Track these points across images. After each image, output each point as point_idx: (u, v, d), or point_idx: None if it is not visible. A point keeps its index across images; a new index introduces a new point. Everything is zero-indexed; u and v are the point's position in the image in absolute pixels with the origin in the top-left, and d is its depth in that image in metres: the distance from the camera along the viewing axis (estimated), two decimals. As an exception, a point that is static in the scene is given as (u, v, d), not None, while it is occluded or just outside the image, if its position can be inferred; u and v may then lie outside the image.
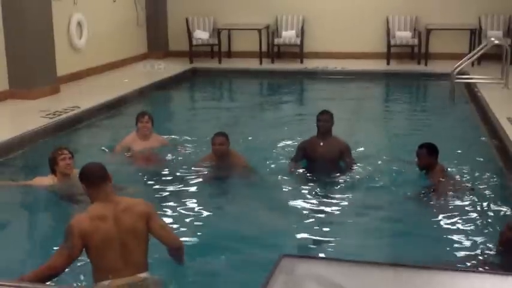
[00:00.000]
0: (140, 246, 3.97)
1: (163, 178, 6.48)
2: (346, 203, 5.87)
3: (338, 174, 6.51)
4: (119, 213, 3.93)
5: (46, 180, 5.94)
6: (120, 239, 3.89)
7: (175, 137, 7.92)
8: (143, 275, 3.95)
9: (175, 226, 5.08)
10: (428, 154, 6.03)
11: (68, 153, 5.82)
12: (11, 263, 4.61)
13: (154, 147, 7.26)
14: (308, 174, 6.53)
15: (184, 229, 5.18)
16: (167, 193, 6.05)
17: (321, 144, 6.64)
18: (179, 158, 7.09)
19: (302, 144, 6.86)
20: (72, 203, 5.64)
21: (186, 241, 4.82)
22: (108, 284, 3.86)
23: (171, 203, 5.74)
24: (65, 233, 3.86)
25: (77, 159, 6.00)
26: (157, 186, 6.23)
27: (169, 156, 7.13)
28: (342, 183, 6.33)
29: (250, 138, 8.17)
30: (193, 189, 6.21)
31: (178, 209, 5.63)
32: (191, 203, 5.79)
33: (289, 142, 7.63)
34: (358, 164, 6.72)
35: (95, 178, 3.96)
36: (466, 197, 5.82)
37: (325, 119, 6.69)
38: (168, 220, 5.07)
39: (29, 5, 9.47)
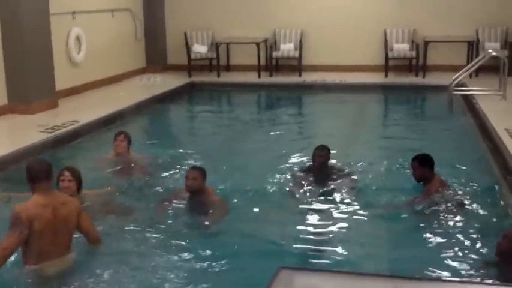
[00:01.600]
0: (68, 234, 4.73)
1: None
2: (344, 215, 5.88)
3: (336, 188, 6.52)
4: (57, 204, 4.60)
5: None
6: (55, 226, 4.56)
7: (161, 153, 7.90)
8: (69, 255, 4.73)
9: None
10: (420, 166, 6.05)
11: (68, 175, 5.60)
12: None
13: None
14: (306, 189, 6.53)
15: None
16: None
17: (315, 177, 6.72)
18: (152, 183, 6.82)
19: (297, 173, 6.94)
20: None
21: (185, 257, 4.85)
22: (39, 267, 4.53)
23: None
24: (12, 218, 4.43)
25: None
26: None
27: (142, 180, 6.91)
28: (340, 196, 6.33)
29: (248, 152, 8.18)
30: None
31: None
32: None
33: (287, 156, 7.64)
34: (356, 177, 6.73)
35: (40, 173, 4.55)
36: (463, 208, 5.82)
37: (320, 155, 6.72)
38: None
39: (28, 20, 9.50)
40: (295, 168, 7.15)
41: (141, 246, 5.21)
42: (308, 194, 6.44)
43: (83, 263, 4.86)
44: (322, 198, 6.31)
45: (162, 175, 7.04)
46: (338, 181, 6.66)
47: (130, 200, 6.24)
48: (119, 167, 7.15)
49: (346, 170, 6.96)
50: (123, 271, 4.79)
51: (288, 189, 6.59)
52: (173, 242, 5.27)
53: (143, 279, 4.68)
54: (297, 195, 6.39)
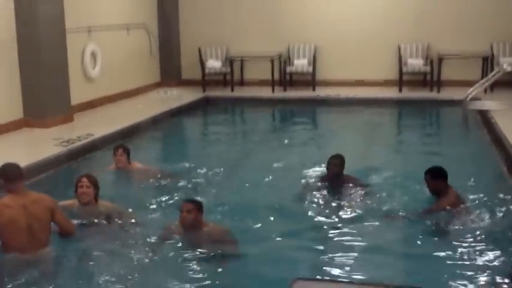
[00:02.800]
0: (44, 230, 5.09)
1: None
2: (358, 228, 5.87)
3: (350, 197, 6.56)
4: (27, 203, 4.99)
5: (67, 203, 6.01)
6: (27, 223, 4.96)
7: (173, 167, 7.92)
8: (45, 249, 5.08)
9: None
10: (432, 179, 6.03)
11: (86, 181, 5.83)
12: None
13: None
14: (319, 198, 6.55)
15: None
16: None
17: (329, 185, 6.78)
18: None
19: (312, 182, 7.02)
20: (86, 231, 5.68)
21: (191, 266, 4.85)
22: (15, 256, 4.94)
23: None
24: None
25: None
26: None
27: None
28: (354, 205, 6.34)
29: (262, 166, 8.18)
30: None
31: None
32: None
33: (301, 170, 7.64)
34: (370, 189, 6.72)
35: (12, 174, 5.02)
36: (477, 222, 5.78)
37: (334, 163, 6.77)
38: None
39: (45, 37, 9.62)
40: (310, 178, 7.18)
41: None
42: (322, 203, 6.46)
43: (64, 260, 5.17)
44: (335, 207, 6.32)
45: (167, 188, 7.03)
46: (352, 190, 6.68)
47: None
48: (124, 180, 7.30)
49: (361, 180, 6.97)
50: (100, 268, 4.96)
51: (302, 197, 6.61)
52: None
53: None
54: (311, 204, 6.39)
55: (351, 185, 6.79)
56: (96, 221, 5.80)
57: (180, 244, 5.41)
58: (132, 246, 5.43)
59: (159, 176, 7.42)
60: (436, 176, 6.03)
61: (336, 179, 6.81)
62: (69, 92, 10.26)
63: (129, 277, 4.91)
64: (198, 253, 5.24)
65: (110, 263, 5.13)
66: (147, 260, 5.19)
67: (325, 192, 6.73)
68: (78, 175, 6.05)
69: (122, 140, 8.74)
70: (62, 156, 8.20)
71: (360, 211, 6.25)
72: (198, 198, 5.96)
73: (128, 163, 7.44)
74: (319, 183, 6.92)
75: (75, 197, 5.92)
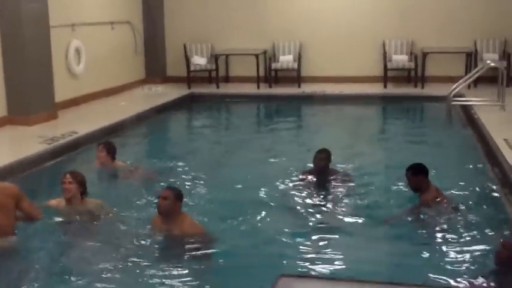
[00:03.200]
0: (7, 218, 5.15)
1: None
2: (342, 223, 5.90)
3: (335, 192, 6.62)
4: None
5: (53, 202, 6.01)
6: None
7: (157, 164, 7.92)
8: (8, 238, 5.13)
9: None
10: (413, 175, 6.05)
11: (69, 177, 5.81)
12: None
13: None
14: (305, 193, 6.59)
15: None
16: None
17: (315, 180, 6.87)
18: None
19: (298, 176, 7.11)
20: (71, 228, 5.66)
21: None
22: None
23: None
24: None
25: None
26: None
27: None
28: (340, 203, 6.36)
29: (247, 162, 8.20)
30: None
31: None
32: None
33: (286, 166, 7.66)
34: (354, 184, 6.77)
35: None
36: (460, 217, 5.83)
37: (320, 158, 6.85)
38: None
39: (29, 34, 9.55)
40: (296, 173, 7.23)
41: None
42: (308, 198, 6.50)
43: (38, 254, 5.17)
44: (322, 202, 6.37)
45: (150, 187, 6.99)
46: (338, 184, 6.76)
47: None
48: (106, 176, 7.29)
49: (347, 173, 7.06)
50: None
51: (288, 192, 6.66)
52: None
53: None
54: (298, 200, 6.43)
55: (337, 178, 6.87)
56: (78, 218, 5.78)
57: (161, 238, 5.40)
58: (114, 244, 5.41)
59: (142, 174, 7.40)
60: (417, 173, 6.06)
61: (322, 173, 6.87)
62: (53, 89, 10.20)
63: (105, 274, 4.88)
64: (181, 248, 5.21)
65: (85, 259, 5.12)
66: (129, 257, 5.15)
67: (311, 186, 6.79)
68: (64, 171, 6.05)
69: (107, 138, 8.71)
70: (46, 154, 8.15)
71: (345, 206, 6.30)
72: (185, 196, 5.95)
73: (110, 160, 7.40)
74: (306, 177, 6.97)
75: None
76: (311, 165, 7.04)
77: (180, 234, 5.27)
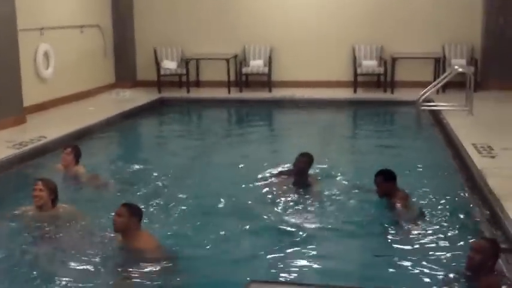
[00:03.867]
0: None
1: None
2: (311, 228, 5.88)
3: (307, 200, 6.61)
4: None
5: (26, 209, 5.95)
6: None
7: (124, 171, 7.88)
8: None
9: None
10: (384, 181, 6.09)
11: (39, 185, 5.81)
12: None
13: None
14: (276, 200, 6.60)
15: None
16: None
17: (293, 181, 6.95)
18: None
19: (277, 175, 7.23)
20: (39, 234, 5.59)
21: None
22: None
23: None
24: None
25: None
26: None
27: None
28: (308, 209, 6.37)
29: (217, 167, 8.18)
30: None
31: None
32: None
33: (255, 171, 7.65)
34: (325, 192, 6.80)
35: None
36: (428, 222, 5.88)
37: (301, 160, 6.94)
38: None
39: (-5, 35, 9.43)
40: (273, 174, 7.34)
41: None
42: (280, 202, 6.52)
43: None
44: (293, 208, 6.39)
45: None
46: (312, 190, 6.83)
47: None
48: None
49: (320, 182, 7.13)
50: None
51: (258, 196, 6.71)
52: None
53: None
54: (268, 204, 6.47)
55: (312, 184, 6.95)
56: (47, 224, 5.71)
57: (122, 252, 5.20)
58: (78, 252, 5.29)
59: (99, 183, 7.30)
60: (388, 179, 6.10)
61: (300, 176, 6.92)
62: (22, 93, 10.06)
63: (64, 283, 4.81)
64: (138, 264, 5.00)
65: (48, 266, 5.07)
66: (89, 269, 5.03)
67: (286, 188, 6.85)
68: (35, 179, 6.04)
69: (75, 142, 8.61)
70: (14, 159, 8.05)
71: (316, 212, 6.29)
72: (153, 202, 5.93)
73: (74, 164, 7.36)
74: (281, 178, 7.08)
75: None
76: (281, 168, 7.06)
77: (137, 250, 5.05)
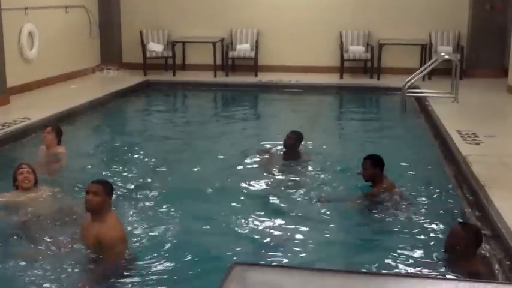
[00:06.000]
0: None
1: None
2: (296, 211, 5.91)
3: (295, 177, 6.76)
4: None
5: (4, 195, 5.91)
6: None
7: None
8: None
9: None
10: (372, 165, 6.09)
11: (26, 167, 5.91)
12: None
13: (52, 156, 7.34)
14: (259, 183, 6.63)
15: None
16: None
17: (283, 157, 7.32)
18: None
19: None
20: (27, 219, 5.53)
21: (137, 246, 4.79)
22: None
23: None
24: None
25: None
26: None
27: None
28: (293, 191, 6.39)
29: (202, 150, 8.16)
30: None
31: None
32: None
33: (241, 155, 7.66)
34: (310, 169, 6.97)
35: None
36: (412, 207, 5.90)
37: (289, 137, 7.30)
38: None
39: (-22, 14, 9.30)
40: (262, 150, 7.66)
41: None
42: (265, 180, 6.66)
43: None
44: (279, 186, 6.48)
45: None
46: (299, 168, 7.08)
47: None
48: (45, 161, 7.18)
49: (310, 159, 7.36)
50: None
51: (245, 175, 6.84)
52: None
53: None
54: (253, 183, 6.57)
55: (302, 160, 7.23)
56: (31, 208, 5.68)
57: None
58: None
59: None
60: (376, 164, 6.10)
61: (288, 152, 7.27)
62: (5, 73, 9.95)
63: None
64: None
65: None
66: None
67: (274, 164, 7.11)
68: (18, 164, 6.05)
69: (59, 124, 8.55)
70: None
71: (302, 192, 6.32)
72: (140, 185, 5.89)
73: (55, 143, 7.32)
74: (272, 154, 7.42)
75: (16, 186, 5.87)
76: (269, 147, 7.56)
77: (105, 236, 4.70)
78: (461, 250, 4.51)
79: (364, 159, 6.18)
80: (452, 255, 4.60)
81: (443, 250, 4.68)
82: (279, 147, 7.53)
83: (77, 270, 4.71)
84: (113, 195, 5.06)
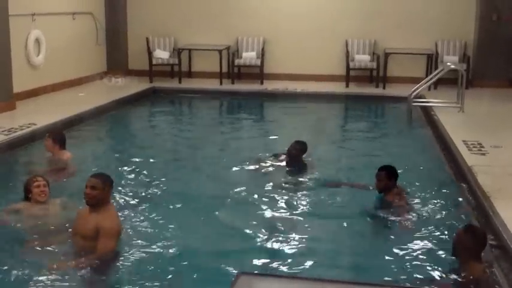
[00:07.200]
0: None
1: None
2: (303, 221, 5.89)
3: (299, 187, 6.75)
4: None
5: (18, 206, 5.81)
6: None
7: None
8: None
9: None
10: (387, 177, 6.06)
11: (42, 179, 5.77)
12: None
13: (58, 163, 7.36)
14: (267, 188, 6.66)
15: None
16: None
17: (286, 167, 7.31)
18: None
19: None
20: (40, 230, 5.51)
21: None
22: None
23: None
24: None
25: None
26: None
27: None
28: (299, 201, 6.37)
29: (208, 158, 8.16)
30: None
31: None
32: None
33: (246, 163, 7.65)
34: (314, 178, 6.96)
35: None
36: (422, 219, 5.89)
37: (293, 147, 7.28)
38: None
39: (-14, 21, 9.34)
40: (267, 158, 7.64)
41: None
42: (271, 191, 6.62)
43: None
44: (284, 197, 6.44)
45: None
46: (302, 172, 7.11)
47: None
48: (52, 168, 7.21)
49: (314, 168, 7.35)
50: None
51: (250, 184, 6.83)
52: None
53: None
54: (258, 194, 6.54)
55: (306, 171, 7.20)
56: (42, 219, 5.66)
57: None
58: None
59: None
60: (391, 176, 6.06)
61: (291, 162, 7.25)
62: (12, 79, 9.98)
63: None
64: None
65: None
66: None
67: (279, 173, 7.13)
68: (30, 176, 5.94)
69: (66, 130, 8.57)
70: (2, 145, 7.98)
71: (307, 201, 6.31)
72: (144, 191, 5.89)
73: (58, 149, 7.33)
74: (276, 163, 7.42)
75: (30, 198, 5.73)
76: (273, 156, 7.53)
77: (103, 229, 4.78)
78: (464, 251, 4.50)
79: (379, 170, 6.13)
80: (458, 257, 4.60)
81: (451, 253, 4.68)
82: (283, 156, 7.51)
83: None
84: (119, 200, 5.08)
